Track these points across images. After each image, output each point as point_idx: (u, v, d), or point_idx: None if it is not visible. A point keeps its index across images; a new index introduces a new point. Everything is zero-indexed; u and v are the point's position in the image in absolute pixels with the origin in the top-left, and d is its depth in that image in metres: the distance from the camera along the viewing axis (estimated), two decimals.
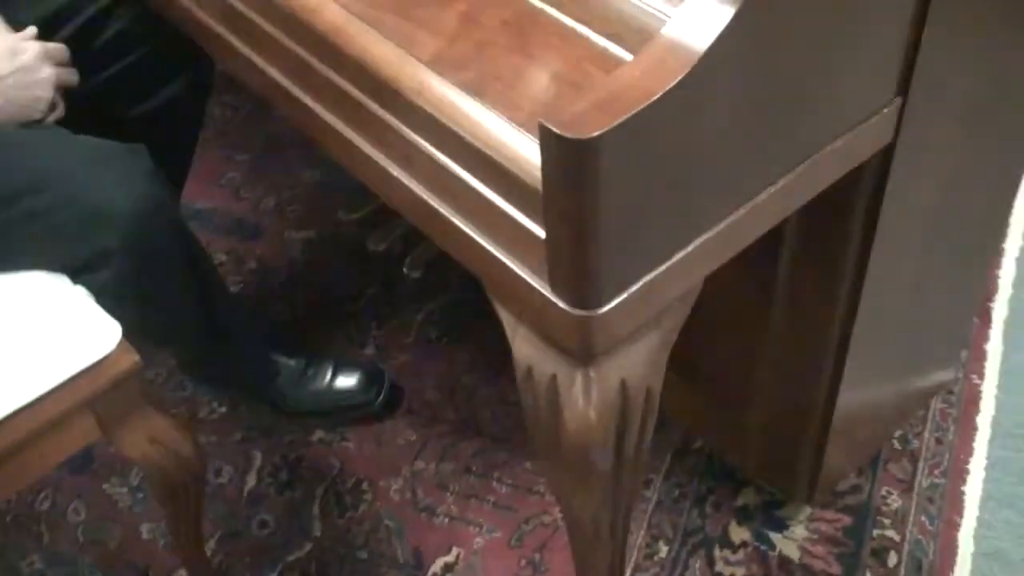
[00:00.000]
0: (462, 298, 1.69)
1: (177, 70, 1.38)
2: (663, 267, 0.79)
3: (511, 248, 0.80)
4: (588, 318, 0.76)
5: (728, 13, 0.70)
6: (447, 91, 0.80)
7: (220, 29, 1.05)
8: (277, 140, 2.01)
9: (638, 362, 0.84)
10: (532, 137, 0.76)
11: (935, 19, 0.87)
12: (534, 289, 0.79)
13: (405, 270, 1.62)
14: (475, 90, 0.80)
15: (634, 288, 0.78)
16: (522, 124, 0.77)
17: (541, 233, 0.76)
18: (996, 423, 1.52)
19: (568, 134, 0.66)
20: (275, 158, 1.98)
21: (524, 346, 0.85)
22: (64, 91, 1.17)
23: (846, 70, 0.84)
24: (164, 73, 1.37)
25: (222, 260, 1.77)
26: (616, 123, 0.67)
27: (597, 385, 0.82)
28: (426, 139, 0.82)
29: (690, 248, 0.81)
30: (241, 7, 0.98)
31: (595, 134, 0.66)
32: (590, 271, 0.74)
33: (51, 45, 1.16)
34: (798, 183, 0.87)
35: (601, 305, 0.76)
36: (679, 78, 0.69)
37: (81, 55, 1.25)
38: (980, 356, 1.60)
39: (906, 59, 0.89)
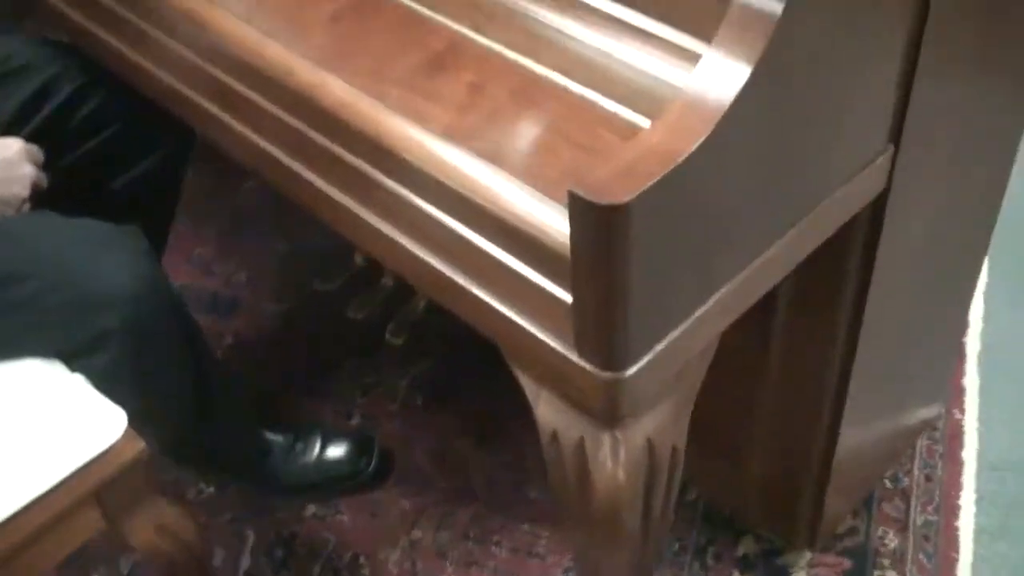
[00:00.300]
0: (446, 362, 1.68)
1: (154, 142, 1.38)
2: (685, 324, 0.80)
3: (533, 314, 0.80)
4: (616, 380, 0.77)
5: (745, 72, 0.71)
6: (463, 162, 0.81)
7: (212, 107, 1.05)
8: (244, 213, 2.00)
9: (663, 420, 0.84)
10: (554, 203, 0.76)
11: (925, 67, 0.90)
12: (559, 354, 0.79)
13: (387, 336, 1.61)
14: (492, 159, 0.80)
15: (659, 347, 0.78)
16: (543, 190, 0.78)
17: (566, 297, 0.76)
18: (981, 456, 1.55)
19: (600, 201, 0.67)
20: (244, 231, 1.96)
21: (548, 410, 0.85)
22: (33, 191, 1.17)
23: (846, 119, 0.87)
24: (141, 146, 1.37)
25: None
26: (646, 187, 0.68)
27: (624, 446, 0.82)
28: (443, 210, 0.82)
29: (709, 304, 0.82)
30: (237, 85, 0.98)
31: (626, 200, 0.67)
32: (618, 333, 0.75)
33: (31, 145, 1.16)
34: (805, 233, 0.89)
35: (629, 366, 0.77)
36: (703, 138, 0.70)
37: (58, 133, 1.25)
38: (959, 391, 1.63)
39: (898, 107, 0.92)
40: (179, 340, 1.15)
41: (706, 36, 0.80)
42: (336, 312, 1.63)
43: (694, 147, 0.70)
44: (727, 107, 0.71)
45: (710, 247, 0.79)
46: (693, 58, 0.82)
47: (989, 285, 1.79)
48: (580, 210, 0.68)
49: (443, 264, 0.84)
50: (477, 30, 0.92)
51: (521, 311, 0.81)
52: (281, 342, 1.75)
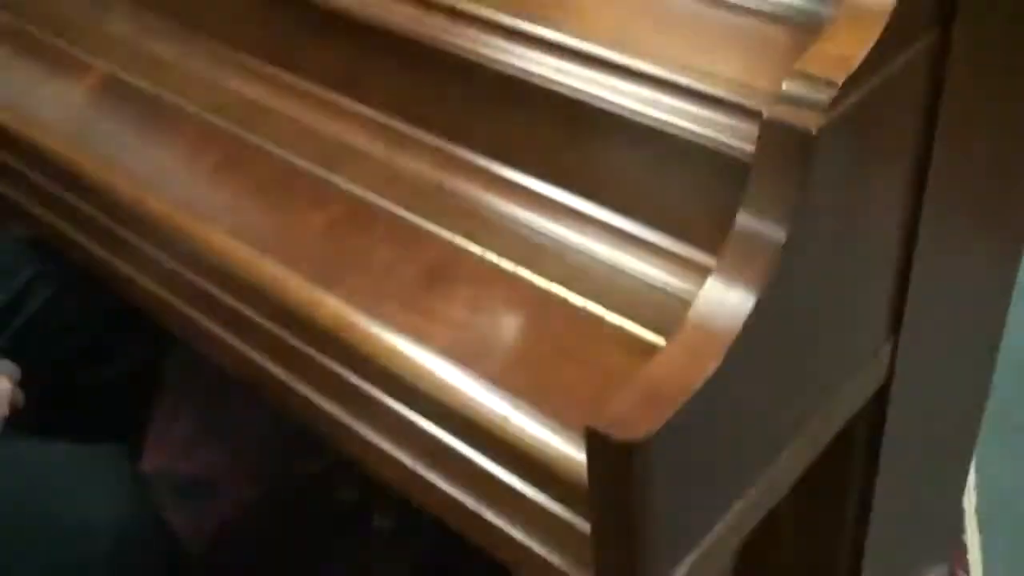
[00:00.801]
0: (439, 544, 1.63)
1: (129, 344, 1.36)
2: (704, 546, 0.77)
3: (549, 541, 0.77)
4: None
5: (751, 300, 0.70)
6: (467, 384, 0.79)
7: (199, 317, 1.03)
8: (220, 394, 1.95)
9: None
10: (563, 427, 0.74)
11: (921, 262, 0.90)
12: None
13: (375, 523, 1.57)
14: (495, 380, 0.78)
15: (680, 571, 0.76)
16: (551, 413, 0.76)
17: (583, 525, 0.74)
18: None
19: (618, 437, 0.65)
20: (220, 413, 1.92)
21: None
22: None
23: (848, 322, 0.86)
24: (117, 348, 1.35)
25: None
26: (664, 421, 0.66)
27: None
28: (449, 432, 0.80)
29: (726, 519, 0.79)
30: (228, 298, 0.96)
31: (645, 435, 0.65)
32: (638, 562, 0.72)
33: (5, 362, 1.14)
34: (813, 436, 0.88)
35: None
36: (716, 366, 0.69)
37: (33, 342, 1.23)
38: (961, 548, 1.60)
39: (896, 301, 0.92)
40: (161, 563, 1.10)
41: (707, 246, 0.80)
42: (322, 495, 1.59)
43: (707, 376, 0.68)
44: (736, 333, 0.69)
45: (725, 465, 0.77)
46: (695, 268, 0.82)
47: (980, 437, 1.78)
48: (599, 446, 0.66)
49: (452, 488, 0.82)
50: (473, 239, 0.91)
51: (536, 538, 0.78)
52: (264, 528, 1.69)
